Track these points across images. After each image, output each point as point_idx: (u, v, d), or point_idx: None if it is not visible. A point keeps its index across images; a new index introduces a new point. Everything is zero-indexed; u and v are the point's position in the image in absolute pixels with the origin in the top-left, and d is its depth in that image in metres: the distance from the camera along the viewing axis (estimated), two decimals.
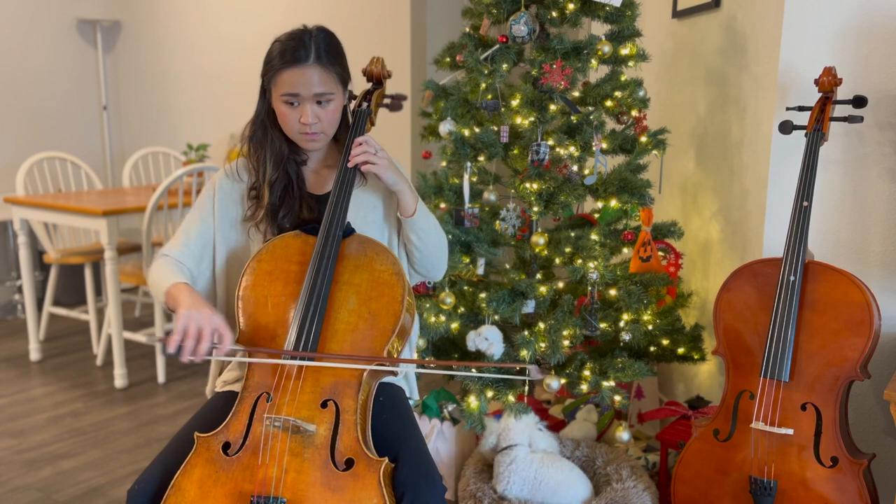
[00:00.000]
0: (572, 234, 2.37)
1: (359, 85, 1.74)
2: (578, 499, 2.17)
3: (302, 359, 1.47)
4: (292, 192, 1.67)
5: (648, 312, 2.35)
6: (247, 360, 1.48)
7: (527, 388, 2.41)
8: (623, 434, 2.38)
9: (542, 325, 2.27)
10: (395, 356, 1.57)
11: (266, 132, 1.66)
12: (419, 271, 1.75)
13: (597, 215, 2.45)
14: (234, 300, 1.57)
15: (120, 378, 3.49)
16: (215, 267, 1.70)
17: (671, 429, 2.37)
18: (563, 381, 2.29)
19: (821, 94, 2.00)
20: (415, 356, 1.85)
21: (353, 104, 1.75)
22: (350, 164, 1.61)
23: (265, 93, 1.64)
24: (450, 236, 2.36)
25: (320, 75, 1.56)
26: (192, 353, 1.38)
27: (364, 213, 1.69)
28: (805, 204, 1.89)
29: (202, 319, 1.40)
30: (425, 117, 2.77)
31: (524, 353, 2.23)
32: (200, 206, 1.70)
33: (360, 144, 1.61)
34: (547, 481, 2.15)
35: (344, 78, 1.63)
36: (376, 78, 1.79)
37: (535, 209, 2.28)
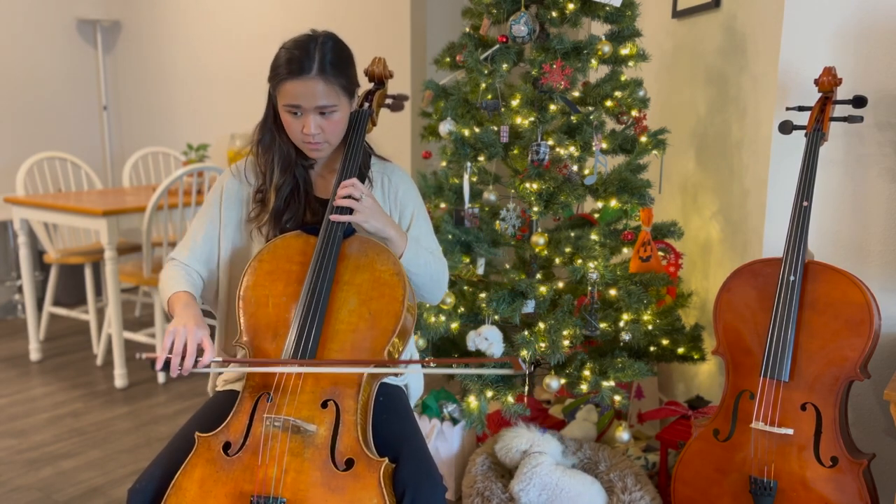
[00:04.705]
0: (572, 234, 2.37)
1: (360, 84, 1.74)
2: None
3: (302, 365, 1.47)
4: (298, 195, 1.68)
5: (648, 312, 2.35)
6: (243, 370, 1.49)
7: (526, 388, 2.41)
8: (623, 434, 2.38)
9: (542, 325, 2.27)
10: (396, 357, 1.57)
11: (274, 137, 1.66)
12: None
13: (597, 215, 2.45)
14: (235, 300, 1.57)
15: (120, 378, 3.49)
16: (219, 266, 1.71)
17: (671, 429, 2.37)
18: (563, 381, 2.29)
19: (821, 94, 2.00)
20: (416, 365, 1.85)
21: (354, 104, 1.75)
22: (336, 203, 1.56)
23: (272, 98, 1.64)
24: (450, 236, 2.36)
25: (323, 88, 1.54)
26: (179, 367, 1.42)
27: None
28: (805, 204, 1.89)
29: (186, 334, 1.44)
30: (425, 117, 2.78)
31: (524, 352, 2.23)
32: (208, 207, 1.71)
33: (346, 188, 1.56)
34: (567, 491, 2.13)
35: (349, 88, 1.60)
36: (378, 78, 1.80)
37: (535, 209, 2.28)
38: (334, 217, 1.56)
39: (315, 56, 1.54)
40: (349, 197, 1.55)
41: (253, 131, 1.70)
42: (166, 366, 1.42)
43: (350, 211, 1.56)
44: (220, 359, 1.49)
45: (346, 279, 1.56)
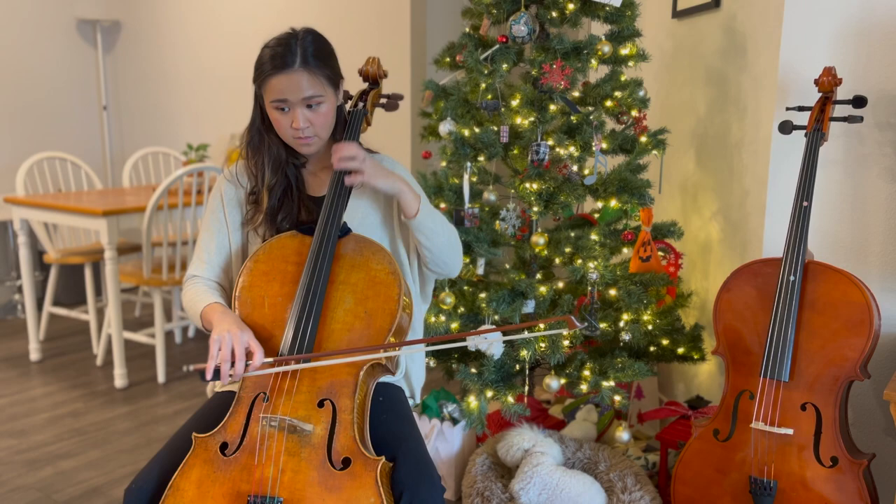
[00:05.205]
0: (572, 234, 2.37)
1: (358, 85, 1.73)
2: None
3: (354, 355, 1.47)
4: (291, 195, 1.68)
5: (648, 312, 2.35)
6: (277, 369, 1.47)
7: (526, 388, 2.40)
8: (623, 434, 2.37)
9: (541, 325, 2.27)
10: (393, 357, 1.57)
11: (262, 137, 1.66)
12: (433, 269, 1.70)
13: (597, 215, 2.45)
14: (232, 301, 1.57)
15: (120, 378, 3.49)
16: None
17: (671, 429, 2.36)
18: (563, 381, 2.29)
19: (821, 94, 2.00)
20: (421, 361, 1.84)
21: (349, 104, 1.75)
22: (337, 167, 1.56)
23: (259, 98, 1.64)
24: None
25: (308, 79, 1.55)
26: (231, 374, 1.42)
27: (361, 216, 1.68)
28: (805, 204, 1.89)
29: (231, 339, 1.43)
30: (425, 117, 2.77)
31: (524, 353, 2.22)
32: (212, 216, 1.71)
33: (342, 149, 1.54)
34: (567, 491, 2.13)
35: (334, 79, 1.61)
36: (372, 78, 1.79)
37: (535, 209, 2.28)
38: (347, 180, 1.55)
39: (297, 50, 1.55)
40: (350, 159, 1.54)
41: (242, 134, 1.70)
42: (216, 374, 1.41)
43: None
44: (271, 359, 1.46)
45: (342, 279, 1.55)
